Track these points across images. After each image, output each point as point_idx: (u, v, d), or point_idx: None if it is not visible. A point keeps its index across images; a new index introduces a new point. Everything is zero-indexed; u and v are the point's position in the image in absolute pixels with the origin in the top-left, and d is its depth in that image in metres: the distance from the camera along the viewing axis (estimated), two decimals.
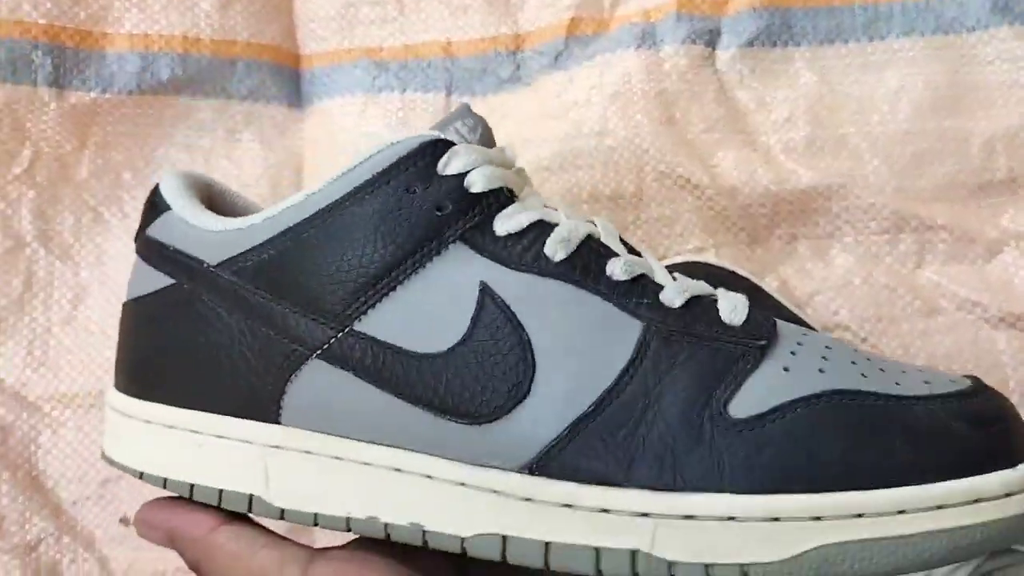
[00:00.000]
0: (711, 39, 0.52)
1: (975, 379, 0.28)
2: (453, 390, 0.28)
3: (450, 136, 0.31)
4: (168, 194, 0.33)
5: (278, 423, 0.30)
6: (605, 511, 0.26)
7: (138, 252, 0.34)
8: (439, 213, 0.29)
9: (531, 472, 0.27)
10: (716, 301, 0.29)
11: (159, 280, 0.32)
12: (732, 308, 0.28)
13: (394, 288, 0.29)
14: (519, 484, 0.27)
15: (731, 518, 0.25)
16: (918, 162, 0.49)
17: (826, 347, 0.28)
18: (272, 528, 0.31)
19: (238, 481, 0.30)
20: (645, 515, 0.26)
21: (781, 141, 0.50)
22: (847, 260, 0.48)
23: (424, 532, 0.28)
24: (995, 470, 0.25)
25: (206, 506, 0.31)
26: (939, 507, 0.24)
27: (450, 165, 0.30)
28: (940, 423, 0.26)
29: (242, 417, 0.30)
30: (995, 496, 0.25)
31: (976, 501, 0.25)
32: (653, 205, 0.49)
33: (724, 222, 0.49)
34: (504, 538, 0.27)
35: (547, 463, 0.27)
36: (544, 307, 0.28)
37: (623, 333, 0.28)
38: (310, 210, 0.30)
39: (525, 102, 0.52)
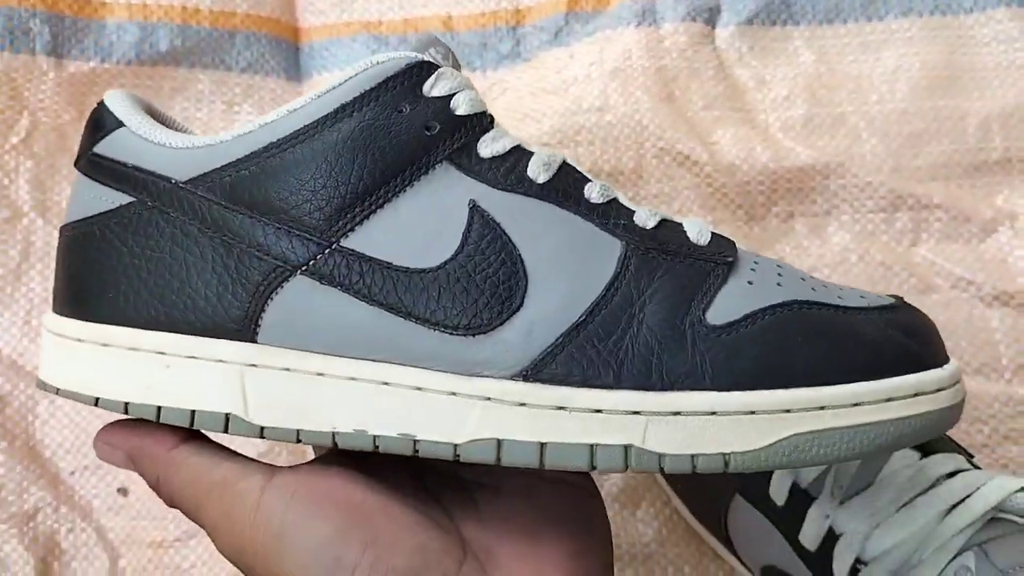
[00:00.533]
0: (711, 17, 0.52)
1: (898, 298, 0.31)
2: (445, 304, 0.29)
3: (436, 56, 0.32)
4: (119, 111, 0.32)
5: (254, 342, 0.30)
6: (598, 411, 0.28)
7: (82, 171, 0.33)
8: (427, 133, 0.30)
9: (525, 379, 0.28)
10: (682, 224, 0.31)
11: (113, 199, 0.31)
12: (698, 230, 0.30)
13: (382, 205, 0.29)
14: (513, 390, 0.28)
15: (713, 412, 0.28)
16: (915, 141, 0.50)
17: (778, 266, 0.31)
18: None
19: (212, 401, 0.30)
20: (636, 413, 0.28)
21: (780, 119, 0.51)
22: (844, 238, 0.49)
23: (416, 442, 0.29)
24: (928, 369, 0.28)
25: (166, 426, 0.30)
26: (888, 399, 0.28)
27: (436, 87, 0.30)
28: (880, 330, 0.29)
29: (214, 337, 0.30)
30: (930, 391, 0.28)
31: (916, 395, 0.28)
32: (652, 181, 0.49)
33: (722, 199, 0.49)
34: (499, 442, 0.28)
35: (541, 370, 0.28)
36: (532, 225, 0.30)
37: (605, 250, 0.29)
38: (292, 127, 0.30)
39: (525, 77, 0.52)
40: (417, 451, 0.29)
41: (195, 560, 0.46)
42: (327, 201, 0.29)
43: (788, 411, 0.28)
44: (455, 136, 0.30)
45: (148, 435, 0.31)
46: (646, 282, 0.29)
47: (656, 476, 0.44)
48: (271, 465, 0.30)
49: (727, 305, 0.29)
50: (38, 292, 0.48)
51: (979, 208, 0.48)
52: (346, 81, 0.30)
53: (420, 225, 0.29)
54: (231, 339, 0.30)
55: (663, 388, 0.28)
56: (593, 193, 0.30)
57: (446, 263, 0.29)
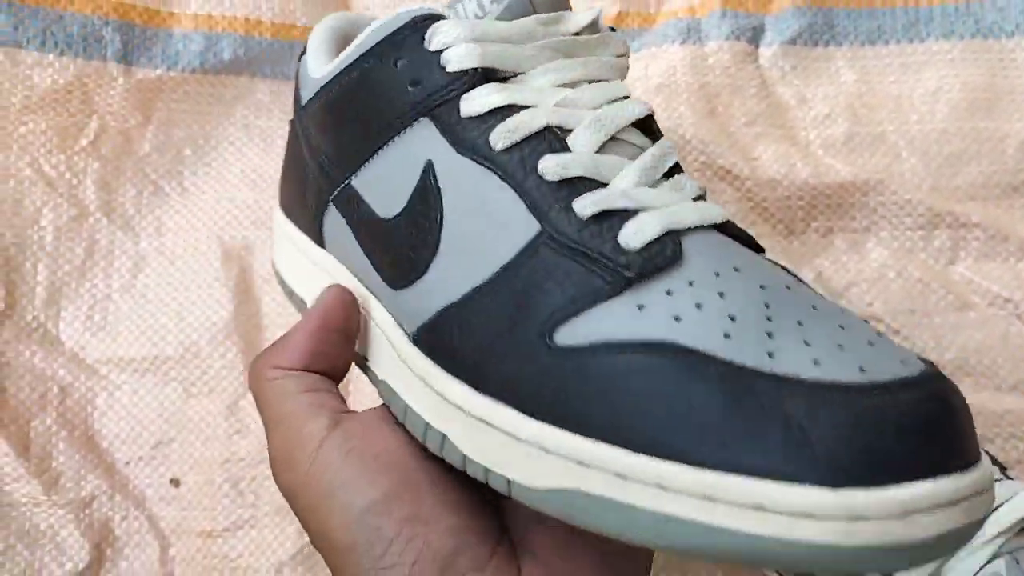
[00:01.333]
0: (754, 36, 0.53)
1: (936, 372, 0.24)
2: (387, 256, 0.31)
3: (468, 7, 0.31)
4: (311, 41, 0.37)
5: (323, 248, 0.35)
6: (439, 395, 0.28)
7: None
8: (411, 88, 0.30)
9: (414, 342, 0.30)
10: (629, 219, 0.27)
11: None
12: (635, 231, 0.26)
13: (375, 152, 0.31)
14: (406, 350, 0.30)
15: (511, 435, 0.26)
16: (954, 161, 0.51)
17: (735, 294, 0.25)
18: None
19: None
20: (459, 408, 0.27)
21: (820, 137, 0.52)
22: (882, 254, 0.49)
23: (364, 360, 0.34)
24: (800, 483, 0.21)
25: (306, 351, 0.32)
26: (706, 497, 0.22)
27: (433, 41, 0.30)
28: (784, 415, 0.22)
29: (311, 239, 0.36)
30: (773, 509, 0.21)
31: (854, 519, 0.21)
32: None
33: (763, 213, 0.50)
34: (389, 386, 0.31)
35: (420, 339, 0.30)
36: (465, 193, 0.29)
37: (519, 235, 0.28)
38: (336, 70, 0.32)
39: None
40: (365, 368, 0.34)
41: (242, 550, 0.47)
42: (349, 140, 0.32)
43: (582, 463, 0.24)
44: (440, 92, 0.30)
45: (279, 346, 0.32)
46: (539, 278, 0.27)
47: None
48: (339, 407, 0.31)
49: (588, 326, 0.25)
50: (101, 288, 0.50)
51: (1017, 228, 0.49)
52: (365, 36, 0.31)
53: (390, 177, 0.31)
54: (317, 243, 0.36)
55: (483, 392, 0.27)
56: (548, 167, 0.28)
57: (395, 216, 0.31)
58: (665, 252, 0.26)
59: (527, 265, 0.27)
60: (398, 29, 0.31)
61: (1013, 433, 0.46)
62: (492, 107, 0.29)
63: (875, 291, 0.48)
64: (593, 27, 0.31)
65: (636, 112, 0.30)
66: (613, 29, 0.33)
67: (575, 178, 0.28)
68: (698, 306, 0.24)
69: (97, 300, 0.50)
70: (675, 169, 0.29)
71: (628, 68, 0.32)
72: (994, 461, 0.39)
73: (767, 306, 0.25)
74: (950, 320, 0.48)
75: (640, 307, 0.25)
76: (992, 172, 0.50)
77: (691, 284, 0.25)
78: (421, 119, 0.30)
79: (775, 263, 0.28)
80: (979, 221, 0.49)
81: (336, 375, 0.33)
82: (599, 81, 0.30)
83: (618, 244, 0.26)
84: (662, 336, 0.24)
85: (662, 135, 0.31)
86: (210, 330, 0.50)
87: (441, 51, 0.30)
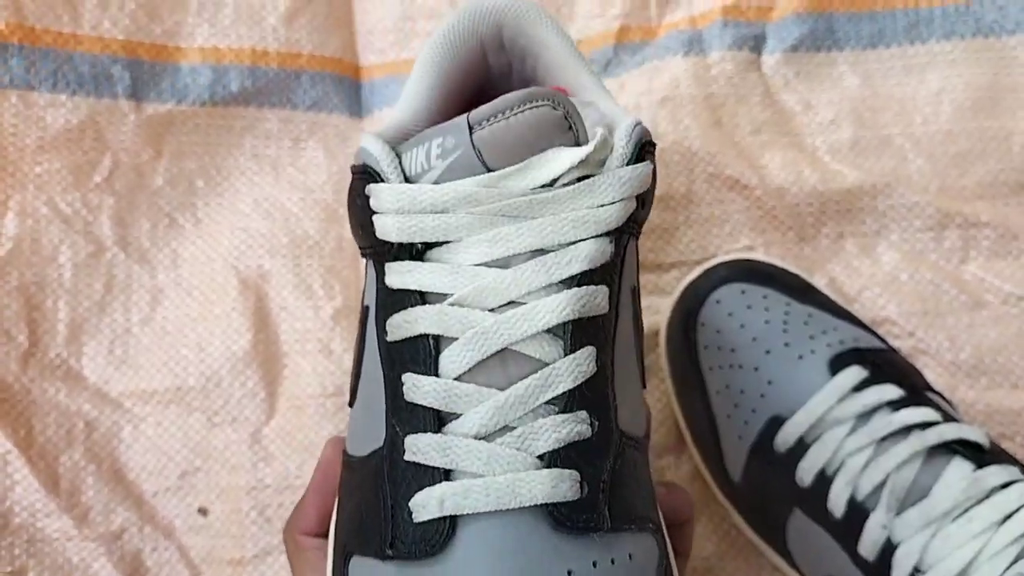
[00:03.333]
0: (756, 44, 0.53)
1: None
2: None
3: (419, 156, 0.29)
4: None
5: None
6: None
7: None
8: (360, 231, 0.31)
9: None
10: (424, 488, 0.27)
11: None
12: (424, 502, 0.27)
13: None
14: None
15: None
16: (960, 161, 0.51)
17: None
18: None
19: None
20: None
21: (827, 142, 0.52)
22: (893, 257, 0.50)
23: None
24: None
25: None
26: None
27: (371, 200, 0.29)
28: None
29: None
30: None
31: None
32: (703, 205, 0.51)
33: (772, 221, 0.50)
34: None
35: None
36: (369, 362, 0.31)
37: (376, 438, 0.29)
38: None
39: None
40: None
41: None
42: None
43: None
44: (374, 249, 0.30)
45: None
46: (364, 494, 0.29)
47: (716, 491, 0.45)
48: None
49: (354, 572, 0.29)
50: (121, 323, 0.51)
51: None
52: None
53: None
54: None
55: None
56: (408, 388, 0.28)
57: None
58: (434, 537, 0.26)
59: (371, 469, 0.29)
60: (356, 169, 0.31)
61: None
62: (398, 287, 0.28)
63: (888, 294, 0.49)
64: (586, 163, 0.28)
65: (544, 322, 0.27)
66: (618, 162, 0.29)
67: (422, 407, 0.27)
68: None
69: (118, 334, 0.50)
70: (557, 400, 0.27)
71: (617, 217, 0.28)
72: (1012, 460, 0.39)
73: None
74: (964, 320, 0.48)
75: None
76: (999, 170, 0.51)
77: None
78: (369, 265, 0.31)
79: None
80: (989, 220, 0.49)
81: None
82: (543, 252, 0.27)
83: (409, 510, 0.26)
84: None
85: (595, 329, 0.28)
86: (230, 360, 0.50)
87: (373, 214, 0.29)
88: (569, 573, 0.26)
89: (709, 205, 0.51)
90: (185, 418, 0.49)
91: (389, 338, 0.29)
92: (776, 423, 0.41)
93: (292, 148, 0.54)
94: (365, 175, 0.30)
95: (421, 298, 0.28)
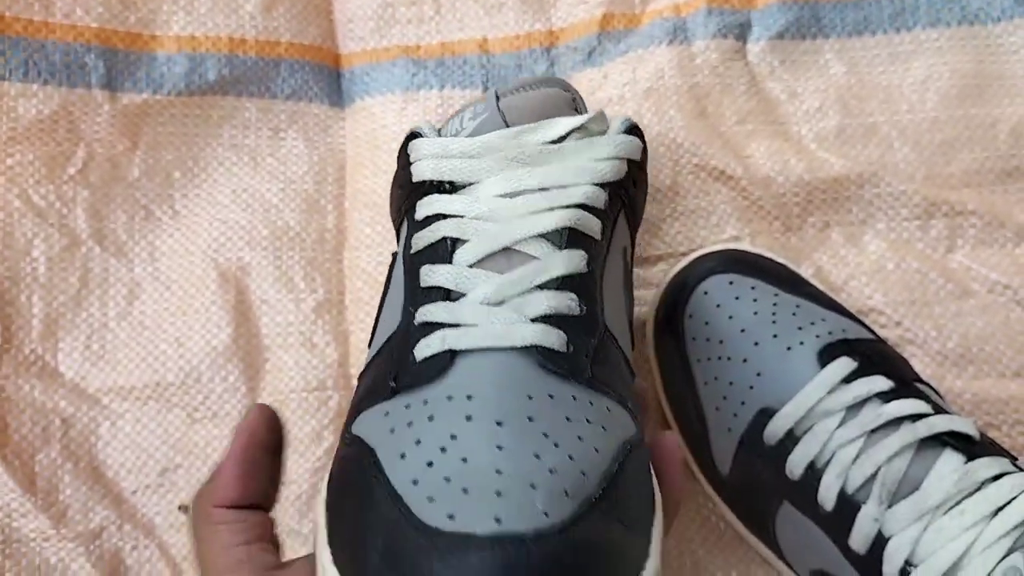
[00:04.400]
0: (741, 32, 0.53)
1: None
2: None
3: (455, 124, 0.36)
4: None
5: None
6: None
7: None
8: (399, 190, 0.37)
9: None
10: (429, 334, 0.30)
11: None
12: (426, 345, 0.30)
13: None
14: None
15: None
16: (947, 149, 0.51)
17: (465, 429, 0.27)
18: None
19: None
20: None
21: (813, 131, 0.52)
22: (880, 246, 0.50)
23: None
24: None
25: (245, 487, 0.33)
26: None
27: (411, 154, 0.36)
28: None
29: None
30: None
31: None
32: (689, 197, 0.50)
33: (759, 211, 0.50)
34: None
35: None
36: (394, 281, 0.35)
37: (393, 322, 0.33)
38: None
39: None
40: None
41: None
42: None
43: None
44: (408, 198, 0.35)
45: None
46: (378, 364, 0.32)
47: (704, 484, 0.45)
48: (272, 562, 0.31)
49: (362, 422, 0.30)
50: (97, 317, 0.50)
51: (1013, 213, 0.49)
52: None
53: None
54: None
55: None
56: (423, 274, 0.32)
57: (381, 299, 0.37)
58: (435, 367, 0.29)
59: (385, 349, 0.32)
60: (403, 140, 0.37)
61: (1019, 419, 0.46)
62: (427, 215, 0.34)
63: (874, 283, 0.49)
64: (587, 130, 0.35)
65: (543, 227, 0.32)
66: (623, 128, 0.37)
67: (435, 287, 0.32)
68: (430, 418, 0.27)
69: (94, 329, 0.49)
70: (550, 284, 0.31)
71: (613, 171, 0.35)
72: (1002, 451, 0.39)
73: (500, 448, 0.26)
74: (951, 309, 0.48)
75: (386, 413, 0.28)
76: (985, 158, 0.51)
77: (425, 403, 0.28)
78: (406, 216, 0.36)
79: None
80: (975, 208, 0.49)
81: (268, 503, 0.34)
82: (547, 190, 0.33)
83: (414, 355, 0.30)
84: (375, 443, 0.27)
85: (586, 243, 0.33)
86: (210, 354, 0.49)
87: (412, 163, 0.35)
88: (551, 396, 0.28)
89: (695, 197, 0.50)
90: (165, 414, 0.49)
91: (412, 251, 0.34)
92: (765, 415, 0.40)
93: (271, 138, 0.53)
94: (410, 137, 0.37)
95: (444, 219, 0.33)
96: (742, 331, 0.42)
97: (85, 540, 0.46)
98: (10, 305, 0.48)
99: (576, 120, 0.35)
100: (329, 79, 0.55)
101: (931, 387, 0.42)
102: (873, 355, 0.41)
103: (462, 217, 0.33)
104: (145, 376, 0.49)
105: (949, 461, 0.37)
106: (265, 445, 0.33)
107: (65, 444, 0.48)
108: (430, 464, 0.25)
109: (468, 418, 0.26)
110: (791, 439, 0.40)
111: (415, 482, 0.25)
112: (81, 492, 0.47)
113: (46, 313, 0.49)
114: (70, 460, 0.47)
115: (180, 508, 0.48)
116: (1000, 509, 0.35)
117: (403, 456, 0.26)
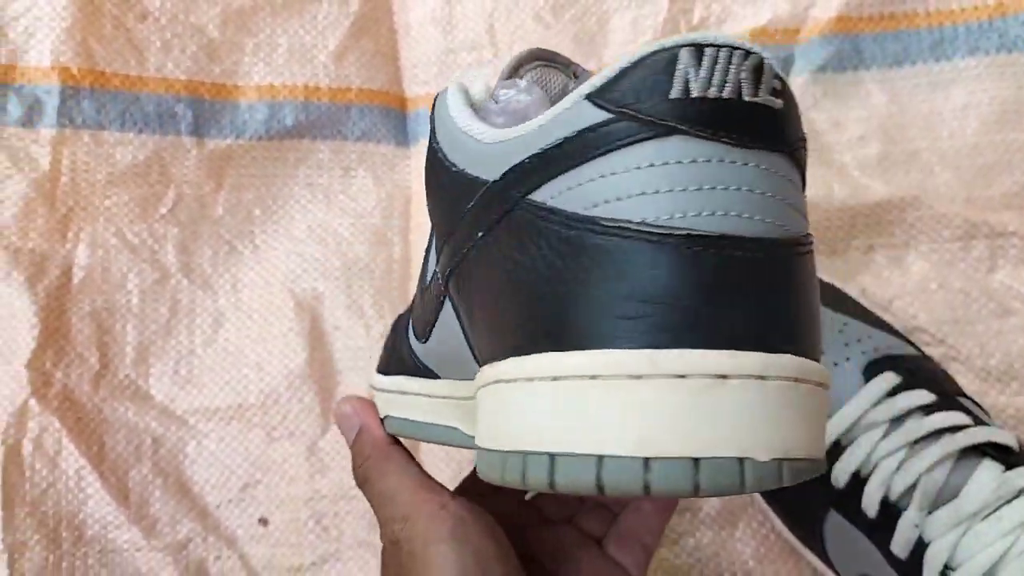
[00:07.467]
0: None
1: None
2: None
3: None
4: None
5: None
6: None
7: None
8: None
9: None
10: None
11: None
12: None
13: None
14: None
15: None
16: (987, 173, 0.52)
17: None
18: None
19: None
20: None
21: (856, 158, 0.53)
22: (923, 267, 0.51)
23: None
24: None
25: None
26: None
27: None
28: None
29: None
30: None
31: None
32: None
33: None
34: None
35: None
36: None
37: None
38: None
39: None
40: None
41: None
42: None
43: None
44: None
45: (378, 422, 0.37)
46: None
47: (755, 496, 0.47)
48: (443, 493, 0.33)
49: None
50: (185, 344, 0.54)
51: None
52: None
53: None
54: None
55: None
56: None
57: None
58: None
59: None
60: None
61: None
62: None
63: (918, 303, 0.50)
64: None
65: None
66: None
67: None
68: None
69: (182, 355, 0.53)
70: None
71: None
72: None
73: None
74: (993, 327, 0.49)
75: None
76: None
77: None
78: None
79: None
80: (1015, 229, 0.50)
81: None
82: None
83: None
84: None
85: None
86: (287, 377, 0.53)
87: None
88: None
89: None
90: (246, 433, 0.52)
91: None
92: None
93: (343, 177, 0.57)
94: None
95: None
96: None
97: (173, 550, 0.50)
98: (107, 334, 0.53)
99: None
100: (396, 121, 0.59)
101: (973, 401, 0.43)
102: (917, 370, 0.43)
103: None
104: (228, 398, 0.53)
105: (988, 470, 0.38)
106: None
107: (155, 461, 0.51)
108: None
109: None
110: (837, 449, 0.41)
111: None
112: (169, 506, 0.51)
113: (139, 341, 0.53)
114: (160, 476, 0.51)
115: (260, 521, 0.51)
116: None
117: None
